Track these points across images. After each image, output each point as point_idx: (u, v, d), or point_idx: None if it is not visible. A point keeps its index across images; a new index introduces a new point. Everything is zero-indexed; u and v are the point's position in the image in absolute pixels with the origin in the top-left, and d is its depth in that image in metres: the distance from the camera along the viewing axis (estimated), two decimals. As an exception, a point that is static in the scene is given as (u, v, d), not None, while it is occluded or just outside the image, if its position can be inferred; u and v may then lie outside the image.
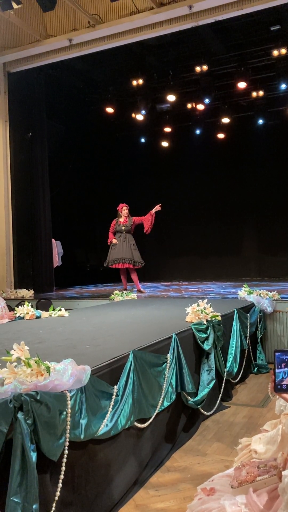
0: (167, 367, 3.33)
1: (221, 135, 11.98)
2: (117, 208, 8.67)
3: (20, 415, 1.93)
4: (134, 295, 7.43)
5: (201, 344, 4.08)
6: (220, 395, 4.38)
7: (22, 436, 1.91)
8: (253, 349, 5.67)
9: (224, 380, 4.46)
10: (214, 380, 4.08)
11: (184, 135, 12.26)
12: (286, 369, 1.94)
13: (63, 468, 2.13)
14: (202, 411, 3.90)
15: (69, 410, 2.15)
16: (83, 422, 2.27)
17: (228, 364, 4.65)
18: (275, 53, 8.80)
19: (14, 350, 2.31)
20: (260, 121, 11.53)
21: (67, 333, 3.89)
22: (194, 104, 10.99)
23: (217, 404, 4.25)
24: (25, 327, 4.34)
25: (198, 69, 9.58)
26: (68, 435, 2.14)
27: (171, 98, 10.48)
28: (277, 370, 1.94)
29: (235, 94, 10.69)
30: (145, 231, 8.57)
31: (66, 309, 5.34)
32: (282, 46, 8.67)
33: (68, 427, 2.14)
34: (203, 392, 3.90)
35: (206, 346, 4.11)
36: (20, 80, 9.36)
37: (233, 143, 11.76)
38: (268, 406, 4.35)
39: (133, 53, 9.41)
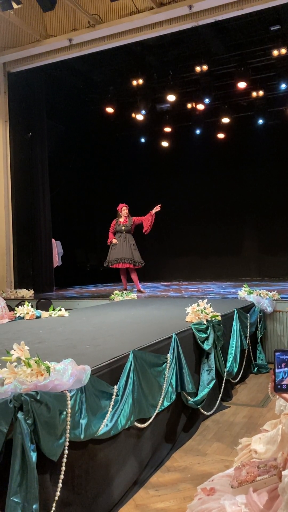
0: (167, 367, 3.33)
1: (221, 135, 11.99)
2: (117, 208, 8.68)
3: (20, 415, 1.93)
4: (134, 295, 7.43)
5: (201, 344, 4.08)
6: (220, 395, 4.38)
7: (22, 436, 1.91)
8: (253, 349, 5.67)
9: (224, 380, 4.46)
10: (214, 380, 4.08)
11: (184, 135, 12.26)
12: (286, 369, 1.93)
13: (63, 468, 2.13)
14: (202, 411, 3.90)
15: (69, 410, 2.15)
16: (83, 422, 2.27)
17: (228, 364, 4.65)
18: (275, 53, 8.79)
19: (14, 350, 2.31)
20: (260, 121, 11.54)
21: (67, 333, 3.89)
22: (194, 104, 10.99)
23: (217, 404, 4.25)
24: (25, 327, 4.34)
25: (198, 69, 9.57)
26: (68, 435, 2.14)
27: (171, 98, 10.48)
28: (277, 370, 1.94)
29: (235, 94, 10.68)
30: (144, 231, 8.58)
31: (66, 309, 5.34)
32: (282, 46, 8.66)
33: (68, 427, 2.14)
34: (203, 392, 3.90)
35: (206, 346, 4.11)
36: (20, 80, 9.36)
37: (233, 143, 11.76)
38: (268, 406, 4.34)
39: (133, 53, 9.41)
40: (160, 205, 8.55)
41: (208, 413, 4.04)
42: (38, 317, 5.08)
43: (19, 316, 5.06)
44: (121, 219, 8.58)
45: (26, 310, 5.06)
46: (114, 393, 2.62)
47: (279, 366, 1.94)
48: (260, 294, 6.17)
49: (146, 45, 8.97)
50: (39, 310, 5.24)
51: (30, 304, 5.24)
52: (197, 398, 3.76)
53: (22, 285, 9.03)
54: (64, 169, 11.35)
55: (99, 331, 3.98)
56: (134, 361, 2.88)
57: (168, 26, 7.89)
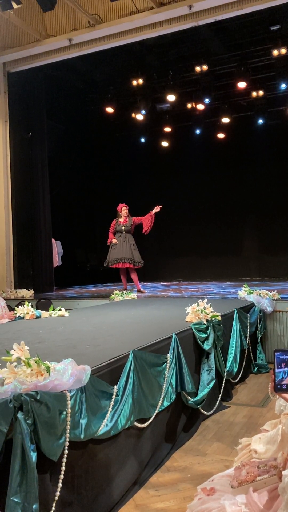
0: (167, 367, 3.33)
1: (221, 135, 11.98)
2: (117, 208, 8.68)
3: (20, 415, 1.93)
4: (134, 295, 7.43)
5: (201, 344, 4.07)
6: (220, 395, 4.38)
7: (22, 436, 1.91)
8: (253, 349, 5.67)
9: (224, 380, 4.46)
10: (214, 380, 4.08)
11: (184, 135, 12.26)
12: (286, 368, 1.93)
13: (63, 468, 2.13)
14: (202, 411, 3.90)
15: (69, 410, 2.15)
16: (83, 422, 2.27)
17: (228, 364, 4.65)
18: (275, 53, 8.80)
19: (14, 350, 2.31)
20: (260, 121, 11.53)
21: (67, 333, 3.89)
22: (194, 104, 10.98)
23: (217, 404, 4.25)
24: (25, 327, 4.34)
25: (198, 69, 9.58)
26: (68, 435, 2.14)
27: (171, 98, 10.48)
28: (277, 370, 1.94)
29: (235, 94, 10.68)
30: (144, 231, 8.57)
31: (66, 309, 5.34)
32: (282, 46, 8.66)
33: (68, 427, 2.14)
34: (203, 392, 3.90)
35: (206, 346, 4.11)
36: (20, 80, 9.36)
37: (233, 143, 11.76)
38: (268, 406, 4.34)
39: (133, 53, 9.41)
40: (160, 206, 8.55)
41: (208, 413, 4.04)
42: (38, 317, 5.08)
43: (19, 316, 5.06)
44: (121, 219, 8.58)
45: (26, 310, 5.07)
46: (114, 393, 2.62)
47: (279, 366, 1.94)
48: (260, 294, 6.17)
49: (146, 45, 8.97)
50: (39, 310, 5.24)
51: (30, 304, 5.24)
52: (197, 398, 3.76)
53: (22, 285, 9.03)
54: (64, 169, 11.35)
55: (99, 331, 3.98)
56: (134, 361, 2.88)
57: (168, 26, 7.89)
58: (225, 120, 11.35)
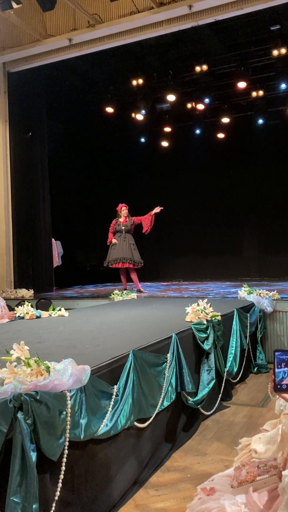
0: (167, 367, 3.33)
1: (221, 135, 11.97)
2: (117, 208, 8.67)
3: (20, 415, 1.93)
4: (134, 295, 7.43)
5: (201, 344, 4.07)
6: (220, 395, 4.38)
7: (22, 436, 1.91)
8: (253, 349, 5.67)
9: (224, 380, 4.46)
10: (214, 380, 4.08)
11: (184, 135, 12.25)
12: (286, 368, 1.94)
13: (63, 468, 2.13)
14: (202, 411, 3.90)
15: (69, 410, 2.15)
16: (83, 422, 2.27)
17: (228, 364, 4.65)
18: (275, 53, 8.79)
19: (14, 350, 2.31)
20: (260, 121, 11.53)
21: (67, 333, 3.89)
22: (194, 104, 10.98)
23: (217, 403, 4.25)
24: (25, 327, 4.34)
25: (198, 69, 9.57)
26: (68, 435, 2.14)
27: (171, 98, 10.48)
28: (277, 370, 1.94)
29: (235, 94, 10.68)
30: (144, 231, 8.57)
31: (66, 309, 5.34)
32: (282, 46, 8.66)
33: (68, 427, 2.14)
34: (203, 392, 3.90)
35: (206, 346, 4.11)
36: (20, 80, 9.36)
37: (233, 143, 11.75)
38: (268, 406, 4.34)
39: (133, 53, 9.41)
40: (161, 207, 8.54)
41: (208, 413, 4.04)
42: (38, 317, 5.08)
43: (19, 316, 5.06)
44: (121, 219, 8.58)
45: (26, 310, 5.07)
46: (114, 393, 2.62)
47: (279, 366, 1.94)
48: (260, 294, 6.17)
49: (146, 45, 8.97)
50: (39, 310, 5.23)
51: (30, 304, 5.24)
52: (197, 398, 3.76)
53: (22, 285, 9.03)
54: (64, 169, 11.35)
55: (99, 331, 3.98)
56: (134, 361, 2.88)
57: (168, 26, 7.89)
58: (225, 120, 11.35)
